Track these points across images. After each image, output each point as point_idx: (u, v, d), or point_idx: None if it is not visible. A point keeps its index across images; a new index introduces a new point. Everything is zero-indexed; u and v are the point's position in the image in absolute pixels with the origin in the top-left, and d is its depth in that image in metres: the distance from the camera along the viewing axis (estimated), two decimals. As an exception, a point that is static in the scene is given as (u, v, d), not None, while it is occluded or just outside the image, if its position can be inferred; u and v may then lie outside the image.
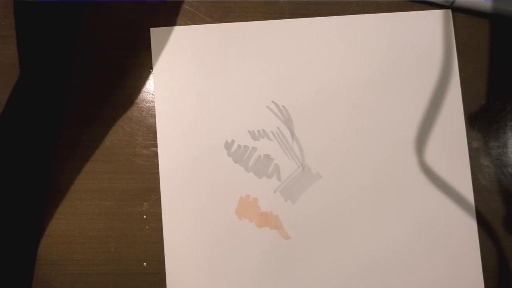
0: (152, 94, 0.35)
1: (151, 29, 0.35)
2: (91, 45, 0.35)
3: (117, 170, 0.34)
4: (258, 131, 0.34)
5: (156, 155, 0.34)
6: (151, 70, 0.35)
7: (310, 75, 0.34)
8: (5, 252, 0.32)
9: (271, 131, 0.34)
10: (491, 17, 0.34)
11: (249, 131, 0.34)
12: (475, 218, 0.33)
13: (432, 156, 0.33)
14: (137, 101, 0.35)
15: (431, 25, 0.34)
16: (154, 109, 0.34)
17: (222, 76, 0.34)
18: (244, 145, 0.34)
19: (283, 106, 0.34)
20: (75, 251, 0.34)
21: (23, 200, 0.33)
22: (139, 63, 0.35)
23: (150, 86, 0.35)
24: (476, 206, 0.33)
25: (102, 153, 0.34)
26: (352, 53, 0.34)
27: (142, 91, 0.35)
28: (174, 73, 0.34)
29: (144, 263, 0.34)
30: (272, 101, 0.34)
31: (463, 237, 0.33)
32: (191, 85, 0.34)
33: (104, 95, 0.35)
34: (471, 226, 0.33)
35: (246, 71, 0.34)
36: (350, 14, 0.35)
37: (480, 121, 0.34)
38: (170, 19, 0.35)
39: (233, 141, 0.34)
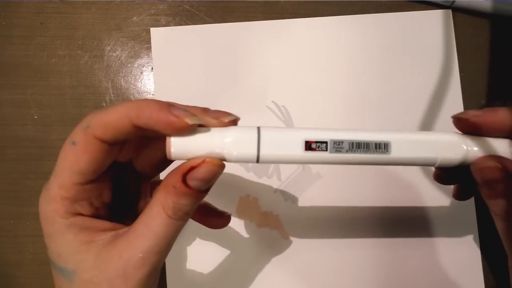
0: (152, 94, 0.35)
1: (151, 29, 0.35)
2: (90, 45, 0.35)
3: (117, 170, 0.34)
4: (258, 131, 0.34)
5: (156, 155, 0.34)
6: (151, 70, 0.35)
7: (310, 75, 0.34)
8: None
9: (271, 131, 0.34)
10: (491, 17, 0.34)
11: (249, 131, 0.34)
12: (475, 218, 0.33)
13: (432, 156, 0.33)
14: (137, 101, 0.35)
15: (431, 25, 0.34)
16: (154, 109, 0.34)
17: (222, 76, 0.34)
18: (244, 145, 0.34)
19: (283, 106, 0.34)
20: (75, 251, 0.34)
21: None
22: (139, 63, 0.35)
23: (150, 86, 0.35)
24: (476, 206, 0.33)
25: (102, 153, 0.34)
26: (352, 53, 0.34)
27: (142, 91, 0.35)
28: (174, 73, 0.34)
29: (144, 263, 0.33)
30: (272, 101, 0.34)
31: (463, 237, 0.33)
32: (191, 85, 0.34)
33: (104, 95, 0.34)
34: (471, 226, 0.33)
35: (246, 71, 0.34)
36: (350, 14, 0.35)
37: (480, 121, 0.34)
38: (170, 19, 0.35)
39: (233, 141, 0.34)
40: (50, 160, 0.34)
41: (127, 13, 0.35)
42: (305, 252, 0.33)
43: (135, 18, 0.35)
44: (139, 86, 0.35)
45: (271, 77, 0.34)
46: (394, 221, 0.33)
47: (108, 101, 0.34)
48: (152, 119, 0.18)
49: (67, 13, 0.35)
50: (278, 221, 0.33)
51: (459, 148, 0.21)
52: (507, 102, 0.34)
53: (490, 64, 0.34)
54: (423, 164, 0.21)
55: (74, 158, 0.19)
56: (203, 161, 0.19)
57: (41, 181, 0.34)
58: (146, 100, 0.19)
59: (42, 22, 0.35)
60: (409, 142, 0.21)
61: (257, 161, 0.20)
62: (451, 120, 0.34)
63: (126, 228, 0.20)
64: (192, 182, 0.19)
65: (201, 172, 0.19)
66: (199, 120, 0.19)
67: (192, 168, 0.19)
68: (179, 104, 0.20)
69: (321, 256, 0.33)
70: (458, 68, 0.34)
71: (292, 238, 0.33)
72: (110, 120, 0.19)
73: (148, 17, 0.35)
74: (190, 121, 0.18)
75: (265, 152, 0.20)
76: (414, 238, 0.33)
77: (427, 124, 0.34)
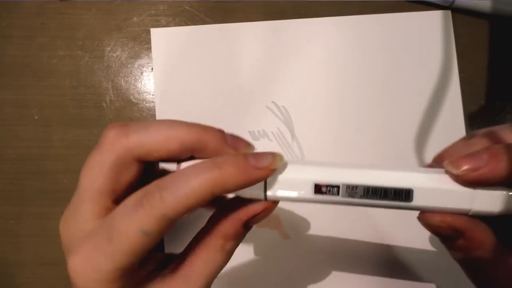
0: (152, 94, 0.35)
1: (151, 29, 0.35)
2: (91, 46, 0.35)
3: (117, 170, 0.34)
4: (258, 131, 0.34)
5: (156, 155, 0.34)
6: (151, 70, 0.35)
7: (310, 75, 0.34)
8: None
9: (271, 131, 0.34)
10: (491, 17, 0.34)
11: (249, 132, 0.34)
12: (475, 218, 0.33)
13: (432, 156, 0.33)
14: (137, 101, 0.35)
15: (431, 25, 0.34)
16: (154, 109, 0.34)
17: (222, 76, 0.34)
18: (244, 145, 0.34)
19: (283, 106, 0.34)
20: (75, 251, 0.34)
21: None
22: (139, 63, 0.35)
23: (150, 86, 0.35)
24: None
25: (102, 153, 0.34)
26: (352, 54, 0.34)
27: (142, 91, 0.35)
28: (174, 73, 0.34)
29: (144, 263, 0.33)
30: (272, 101, 0.34)
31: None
32: (191, 85, 0.34)
33: (104, 96, 0.35)
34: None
35: (246, 71, 0.34)
36: (350, 14, 0.35)
37: (480, 121, 0.34)
38: (170, 19, 0.35)
39: (233, 141, 0.34)
40: (50, 160, 0.34)
41: (127, 14, 0.35)
42: (305, 252, 0.33)
43: (135, 18, 0.35)
44: (139, 86, 0.35)
45: (271, 77, 0.34)
46: (393, 221, 0.33)
47: (108, 101, 0.35)
48: (237, 185, 0.17)
49: (67, 13, 0.35)
50: (278, 221, 0.33)
51: (500, 200, 0.17)
52: (507, 102, 0.34)
53: (490, 65, 0.34)
54: (452, 213, 0.17)
55: (141, 247, 0.18)
56: (265, 207, 0.19)
57: (41, 181, 0.34)
58: (222, 163, 0.18)
59: (43, 22, 0.35)
60: (437, 191, 0.17)
61: (265, 199, 0.19)
62: (451, 120, 0.34)
63: (172, 270, 0.20)
64: (251, 224, 0.20)
65: (262, 217, 0.19)
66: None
67: (254, 215, 0.19)
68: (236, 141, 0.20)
69: (321, 256, 0.33)
70: (457, 69, 0.34)
71: (292, 238, 0.33)
72: (192, 201, 0.17)
73: (148, 17, 0.35)
74: (274, 165, 0.18)
75: (272, 194, 0.19)
76: (414, 238, 0.33)
77: (427, 125, 0.34)
